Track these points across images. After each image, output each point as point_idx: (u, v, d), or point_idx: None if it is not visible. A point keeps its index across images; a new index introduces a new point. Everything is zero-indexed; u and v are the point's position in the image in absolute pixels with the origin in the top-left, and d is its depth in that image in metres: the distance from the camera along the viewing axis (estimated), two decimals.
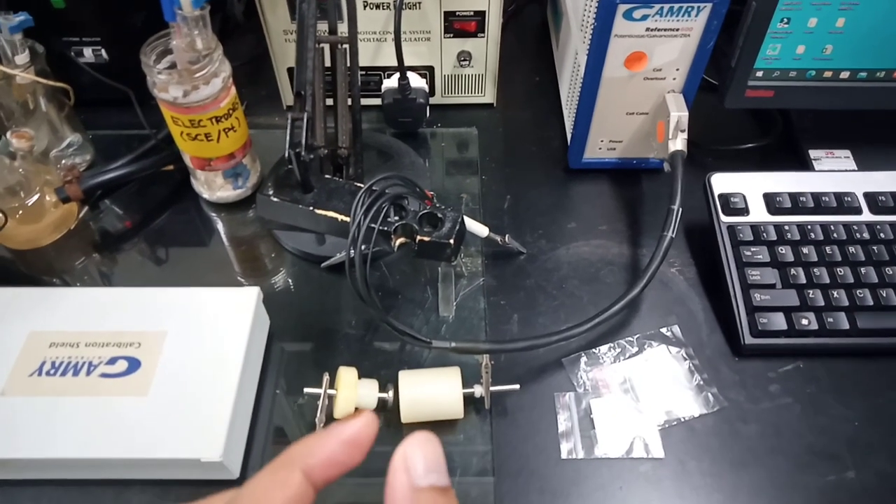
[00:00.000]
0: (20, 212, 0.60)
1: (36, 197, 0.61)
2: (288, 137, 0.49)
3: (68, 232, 0.64)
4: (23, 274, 0.62)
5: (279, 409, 0.53)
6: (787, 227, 0.58)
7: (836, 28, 0.59)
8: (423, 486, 0.21)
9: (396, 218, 0.50)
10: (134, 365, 0.48)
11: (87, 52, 0.70)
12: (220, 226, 0.65)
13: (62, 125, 0.66)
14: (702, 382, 0.54)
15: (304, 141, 0.49)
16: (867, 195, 0.59)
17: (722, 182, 0.60)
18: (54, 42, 0.67)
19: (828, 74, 0.62)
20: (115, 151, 0.66)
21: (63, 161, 0.66)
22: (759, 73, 0.62)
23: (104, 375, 0.47)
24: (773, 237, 0.57)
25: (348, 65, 0.57)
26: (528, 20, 0.88)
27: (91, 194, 0.64)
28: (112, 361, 0.48)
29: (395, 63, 0.65)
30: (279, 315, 0.57)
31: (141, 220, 0.66)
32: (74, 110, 0.67)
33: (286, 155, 0.49)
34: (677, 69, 0.59)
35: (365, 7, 0.65)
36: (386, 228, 0.49)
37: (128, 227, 0.65)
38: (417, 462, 0.22)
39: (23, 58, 0.59)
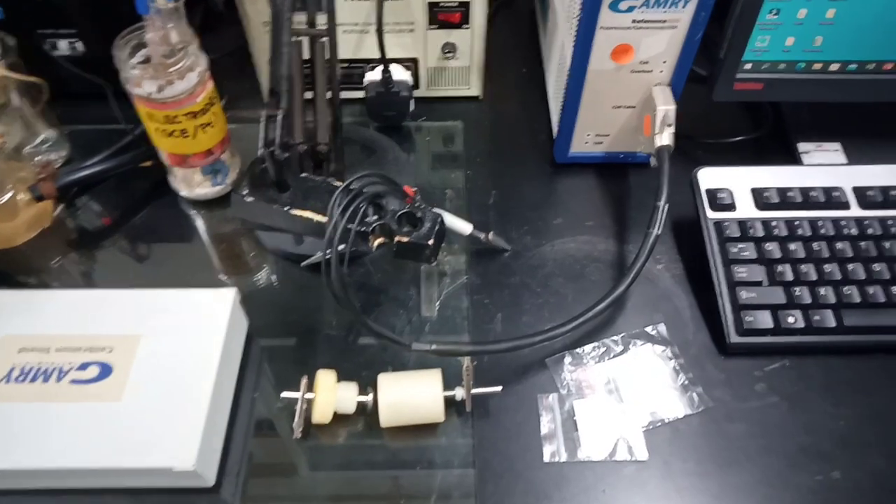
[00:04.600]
0: None
1: (9, 195, 0.59)
2: (262, 135, 0.48)
3: (43, 231, 0.62)
4: None
5: (258, 413, 0.52)
6: (774, 223, 0.57)
7: (827, 19, 0.57)
8: None
9: (375, 217, 0.49)
10: (106, 371, 0.47)
11: (63, 45, 0.68)
12: (199, 223, 0.64)
13: (36, 120, 0.65)
14: (687, 382, 0.53)
15: (278, 139, 0.47)
16: (856, 190, 0.58)
17: (709, 177, 0.59)
18: (27, 34, 0.65)
19: (817, 66, 0.61)
20: (91, 147, 0.65)
21: (37, 157, 0.65)
22: (748, 66, 0.61)
23: (75, 382, 0.46)
24: (761, 233, 0.56)
25: (327, 57, 0.56)
26: (515, 10, 0.86)
27: (66, 192, 0.63)
28: (83, 367, 0.47)
29: (377, 55, 0.64)
30: (259, 315, 0.56)
31: (118, 218, 0.64)
32: (49, 105, 0.65)
33: (259, 154, 0.47)
34: (664, 62, 0.57)
35: None
36: (364, 229, 0.48)
37: (105, 225, 0.64)
38: None
39: None
